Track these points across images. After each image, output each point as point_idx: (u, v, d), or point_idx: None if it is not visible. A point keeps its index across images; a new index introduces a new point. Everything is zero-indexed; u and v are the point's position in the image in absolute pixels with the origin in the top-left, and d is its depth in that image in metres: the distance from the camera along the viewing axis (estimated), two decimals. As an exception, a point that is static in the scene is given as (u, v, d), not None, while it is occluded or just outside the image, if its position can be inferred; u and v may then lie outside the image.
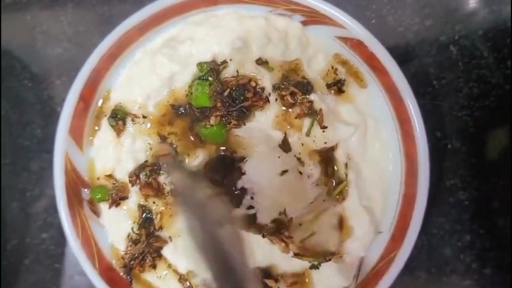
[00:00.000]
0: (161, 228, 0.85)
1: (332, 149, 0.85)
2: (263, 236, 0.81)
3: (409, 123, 0.81)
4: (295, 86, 0.82)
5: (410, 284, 0.96)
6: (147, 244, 0.84)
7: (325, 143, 0.85)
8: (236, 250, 0.76)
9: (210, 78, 0.80)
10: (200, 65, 0.83)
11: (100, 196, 0.88)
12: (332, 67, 0.86)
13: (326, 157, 0.85)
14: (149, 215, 0.86)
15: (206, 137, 0.83)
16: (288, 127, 0.84)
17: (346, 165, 0.84)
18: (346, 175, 0.84)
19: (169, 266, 0.85)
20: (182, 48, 0.84)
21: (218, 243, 0.75)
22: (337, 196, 0.85)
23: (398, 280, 0.94)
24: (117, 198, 0.87)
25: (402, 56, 0.96)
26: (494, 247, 0.96)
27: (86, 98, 0.85)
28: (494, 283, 0.96)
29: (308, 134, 0.84)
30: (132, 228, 0.85)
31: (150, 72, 0.85)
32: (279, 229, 0.83)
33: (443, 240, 0.96)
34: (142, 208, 0.86)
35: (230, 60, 0.83)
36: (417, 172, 0.81)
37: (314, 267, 0.84)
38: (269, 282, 0.82)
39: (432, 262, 0.96)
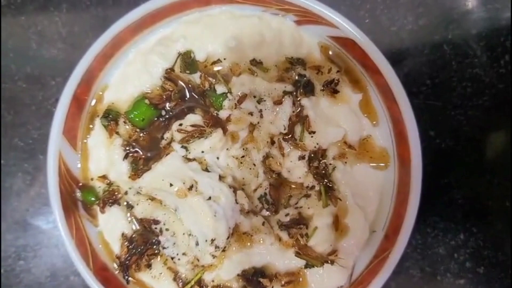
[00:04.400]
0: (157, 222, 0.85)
1: (324, 151, 0.85)
2: (281, 226, 0.83)
3: (402, 124, 0.81)
4: (295, 85, 0.83)
5: (404, 283, 0.96)
6: (144, 241, 0.85)
7: (315, 146, 0.85)
8: None
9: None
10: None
11: (92, 198, 0.88)
12: (326, 67, 0.86)
13: (317, 159, 0.85)
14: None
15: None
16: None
17: (333, 168, 0.85)
18: (329, 175, 0.85)
19: (165, 263, 0.85)
20: (175, 46, 0.84)
21: None
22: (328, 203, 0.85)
23: (392, 279, 0.94)
24: (109, 200, 0.87)
25: (396, 56, 0.96)
26: (487, 246, 0.96)
27: (80, 98, 0.85)
28: (488, 281, 0.96)
29: (301, 139, 0.85)
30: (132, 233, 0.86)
31: (143, 71, 0.86)
32: (298, 223, 0.83)
33: (437, 239, 0.97)
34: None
35: (224, 59, 0.84)
36: (410, 171, 0.81)
37: (308, 266, 0.84)
38: (264, 281, 0.83)
39: (426, 261, 0.97)
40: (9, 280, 0.99)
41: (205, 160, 0.85)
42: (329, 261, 0.83)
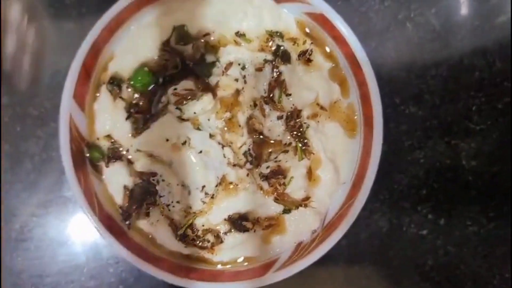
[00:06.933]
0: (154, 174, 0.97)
1: (299, 111, 0.98)
2: (262, 177, 0.96)
3: (366, 86, 0.94)
4: (274, 54, 0.97)
5: (374, 234, 1.09)
6: (143, 192, 0.97)
7: (292, 107, 0.98)
8: None
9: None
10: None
11: (98, 155, 0.99)
12: (301, 39, 0.99)
13: (293, 118, 0.98)
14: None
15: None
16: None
17: (307, 126, 0.97)
18: (304, 132, 0.98)
19: (162, 211, 0.97)
20: (171, 21, 0.97)
21: None
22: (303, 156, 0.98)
23: (363, 230, 1.07)
24: (113, 156, 0.99)
25: (365, 33, 1.09)
26: (447, 200, 1.09)
27: (88, 66, 0.97)
28: (447, 231, 1.09)
29: (279, 101, 0.98)
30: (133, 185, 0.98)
31: (143, 43, 0.98)
32: (277, 174, 0.96)
33: (402, 194, 1.09)
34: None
35: (213, 32, 0.97)
36: (372, 127, 0.94)
37: (286, 211, 0.96)
38: (247, 224, 0.95)
39: (393, 213, 1.09)
40: (24, 235, 1.11)
41: (197, 120, 0.97)
42: (303, 205, 0.95)
